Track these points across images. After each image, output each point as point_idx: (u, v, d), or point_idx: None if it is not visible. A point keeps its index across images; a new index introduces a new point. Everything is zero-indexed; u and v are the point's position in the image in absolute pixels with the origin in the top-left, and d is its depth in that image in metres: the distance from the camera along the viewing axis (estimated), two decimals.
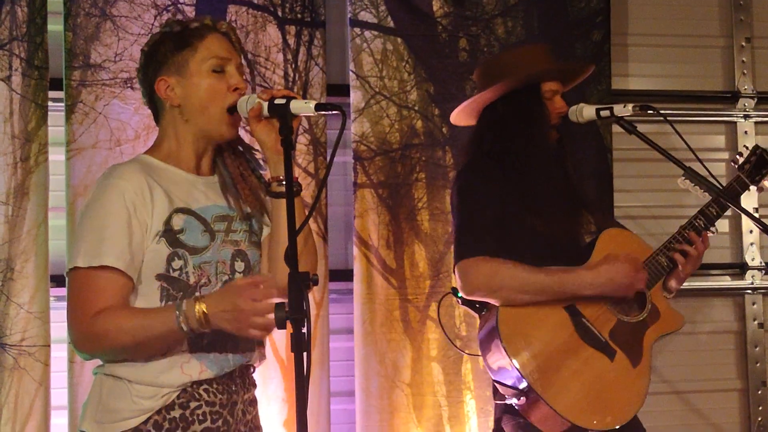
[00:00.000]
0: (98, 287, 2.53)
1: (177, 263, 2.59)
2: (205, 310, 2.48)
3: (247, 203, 2.75)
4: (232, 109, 2.67)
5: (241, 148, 2.80)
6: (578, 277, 3.29)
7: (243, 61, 2.77)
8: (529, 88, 3.45)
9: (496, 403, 3.39)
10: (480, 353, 3.37)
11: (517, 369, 3.17)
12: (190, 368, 2.59)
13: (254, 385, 2.78)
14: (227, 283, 2.65)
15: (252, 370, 2.77)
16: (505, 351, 3.18)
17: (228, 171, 2.77)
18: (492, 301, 3.28)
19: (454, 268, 3.35)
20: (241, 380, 2.70)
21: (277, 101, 2.53)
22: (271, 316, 2.35)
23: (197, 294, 2.58)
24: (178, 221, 2.61)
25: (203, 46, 2.68)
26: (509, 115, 3.44)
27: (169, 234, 2.59)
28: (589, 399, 3.21)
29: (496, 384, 3.32)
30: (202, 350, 2.60)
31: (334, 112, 2.49)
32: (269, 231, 2.77)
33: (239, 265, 2.69)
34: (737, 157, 3.62)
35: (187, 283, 2.59)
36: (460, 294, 3.35)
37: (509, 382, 3.23)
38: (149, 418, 2.55)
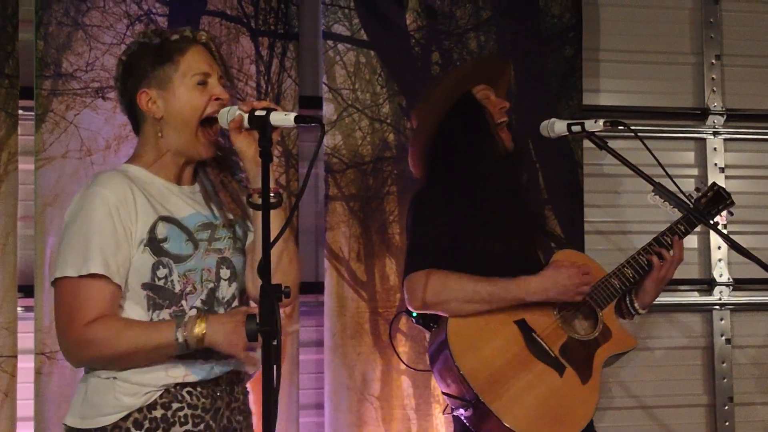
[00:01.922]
0: (89, 295, 2.55)
1: (162, 272, 2.61)
2: (204, 327, 2.53)
3: (229, 211, 2.76)
4: (212, 120, 2.67)
5: (220, 153, 2.80)
6: (523, 282, 3.31)
7: (224, 71, 2.77)
8: (463, 99, 3.48)
9: (453, 418, 3.39)
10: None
11: (465, 380, 3.19)
12: (176, 371, 2.62)
13: (244, 394, 2.79)
14: (212, 290, 2.68)
15: (243, 377, 2.78)
16: (454, 362, 3.20)
17: (209, 180, 2.79)
18: (440, 313, 3.30)
19: (402, 284, 3.36)
20: (228, 387, 2.72)
21: (257, 113, 2.53)
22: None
23: (183, 302, 2.62)
24: (162, 229, 2.62)
25: (184, 61, 2.69)
26: (452, 126, 3.47)
27: (153, 242, 2.61)
28: (537, 413, 3.24)
29: (444, 396, 3.33)
30: (189, 356, 2.61)
31: (313, 124, 2.52)
32: (253, 237, 2.77)
33: (224, 273, 2.71)
34: (694, 191, 3.65)
35: (173, 292, 2.62)
36: (414, 314, 3.37)
37: (457, 393, 3.24)
38: (129, 415, 2.58)
